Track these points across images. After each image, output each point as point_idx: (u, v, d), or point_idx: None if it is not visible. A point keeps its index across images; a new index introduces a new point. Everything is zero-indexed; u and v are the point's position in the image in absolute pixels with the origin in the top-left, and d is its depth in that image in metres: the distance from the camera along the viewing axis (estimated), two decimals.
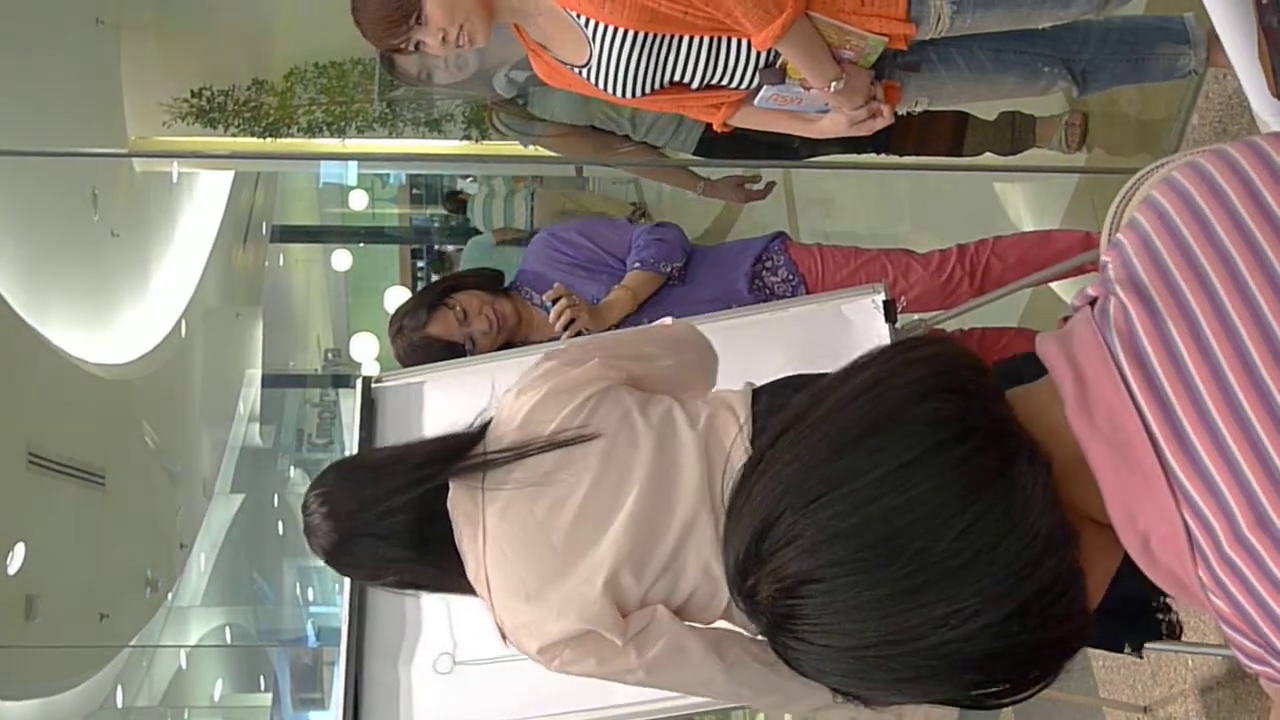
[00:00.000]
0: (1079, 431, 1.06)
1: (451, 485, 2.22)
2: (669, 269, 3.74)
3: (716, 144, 4.56)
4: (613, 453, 2.21)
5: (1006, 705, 1.12)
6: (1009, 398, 1.12)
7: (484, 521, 2.19)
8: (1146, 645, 3.39)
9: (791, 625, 1.07)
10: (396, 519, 2.21)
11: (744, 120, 3.26)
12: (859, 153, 4.69)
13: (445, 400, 3.47)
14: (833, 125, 3.23)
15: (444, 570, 2.23)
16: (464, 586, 2.24)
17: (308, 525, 2.28)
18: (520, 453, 2.20)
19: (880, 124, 3.19)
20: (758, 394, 2.27)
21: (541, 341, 3.64)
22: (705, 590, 2.19)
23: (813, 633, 1.05)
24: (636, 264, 3.74)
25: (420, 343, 3.66)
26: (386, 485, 2.24)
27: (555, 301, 3.47)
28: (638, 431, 2.24)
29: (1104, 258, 1.15)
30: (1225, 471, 1.00)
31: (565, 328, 3.43)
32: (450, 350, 3.64)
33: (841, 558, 1.03)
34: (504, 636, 2.23)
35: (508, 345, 3.68)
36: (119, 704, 11.31)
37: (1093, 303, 1.12)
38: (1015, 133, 4.74)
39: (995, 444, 1.06)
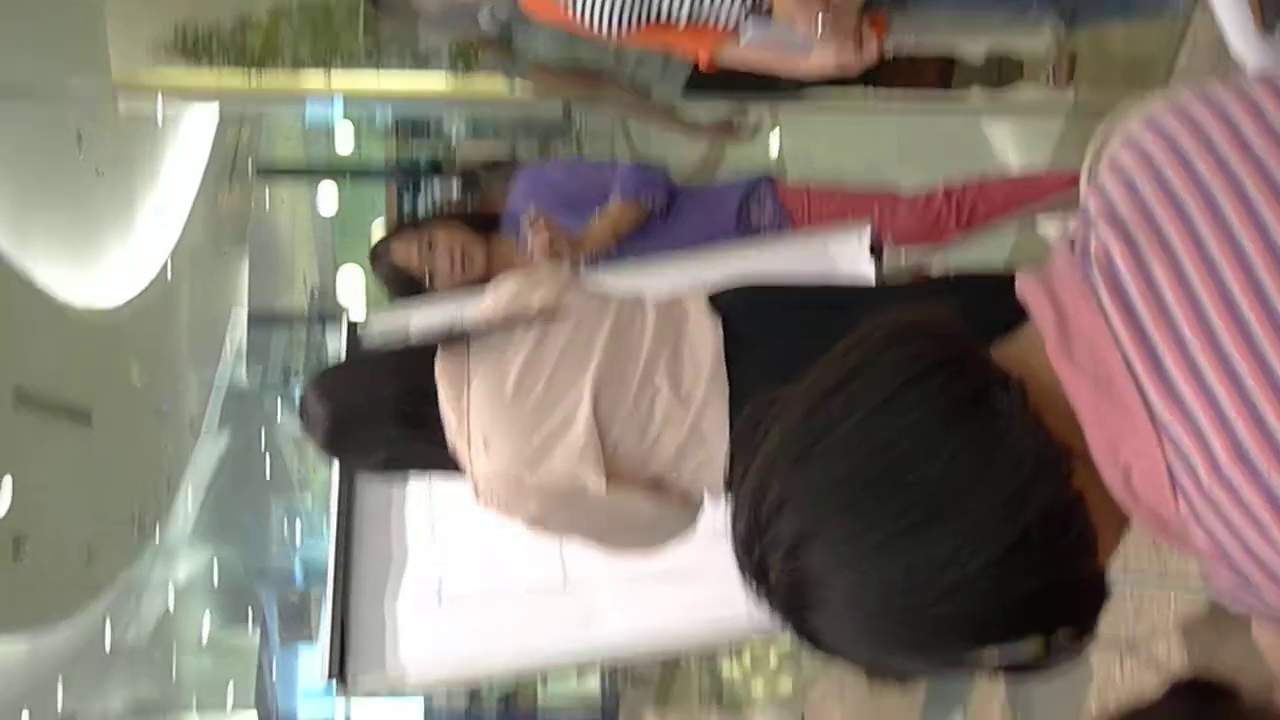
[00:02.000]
0: (1059, 367, 1.06)
1: (438, 355, 2.35)
2: (649, 200, 3.70)
3: (702, 84, 4.53)
4: (584, 318, 2.37)
5: (1040, 670, 1.09)
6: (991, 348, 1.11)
7: (469, 381, 2.31)
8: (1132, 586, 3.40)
9: (804, 593, 1.06)
10: (387, 391, 2.36)
11: (731, 59, 3.24)
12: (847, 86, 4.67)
13: None
14: (820, 64, 3.21)
15: (430, 444, 2.35)
16: (450, 462, 2.35)
17: (306, 416, 2.41)
18: (503, 324, 2.35)
19: (867, 60, 3.17)
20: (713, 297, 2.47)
21: None
22: (675, 423, 2.29)
23: (825, 596, 1.05)
24: (617, 196, 3.71)
25: (386, 269, 3.65)
26: (376, 366, 2.41)
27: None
28: (607, 300, 2.43)
29: (1084, 197, 1.15)
30: (1204, 403, 1.00)
31: (543, 253, 3.39)
32: (413, 284, 3.61)
33: (835, 507, 1.03)
34: (479, 493, 2.33)
35: None
36: (107, 641, 11.36)
37: (1074, 244, 1.12)
38: (1003, 67, 4.72)
39: (967, 375, 1.06)
